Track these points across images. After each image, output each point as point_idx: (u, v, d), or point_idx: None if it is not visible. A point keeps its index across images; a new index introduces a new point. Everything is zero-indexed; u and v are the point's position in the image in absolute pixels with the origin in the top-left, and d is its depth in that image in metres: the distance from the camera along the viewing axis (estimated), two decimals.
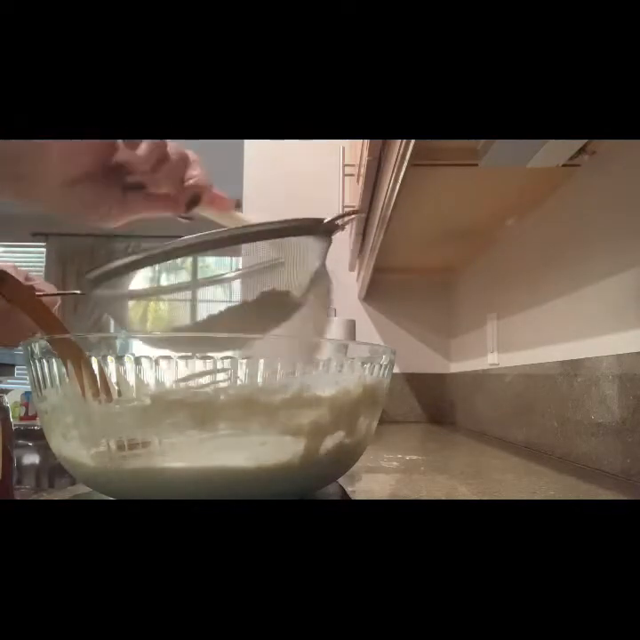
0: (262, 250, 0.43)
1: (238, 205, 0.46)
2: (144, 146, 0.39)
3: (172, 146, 0.41)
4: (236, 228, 0.43)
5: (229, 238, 0.41)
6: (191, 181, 0.42)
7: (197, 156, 0.44)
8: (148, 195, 0.42)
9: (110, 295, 0.45)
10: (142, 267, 0.43)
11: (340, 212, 1.16)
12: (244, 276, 0.46)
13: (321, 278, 0.46)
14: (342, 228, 0.46)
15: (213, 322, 0.43)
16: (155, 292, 0.44)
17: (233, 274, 0.46)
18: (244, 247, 0.43)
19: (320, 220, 0.44)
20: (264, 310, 0.44)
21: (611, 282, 0.66)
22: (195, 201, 0.43)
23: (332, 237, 0.46)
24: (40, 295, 0.56)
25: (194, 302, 0.46)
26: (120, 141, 0.39)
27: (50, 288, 0.68)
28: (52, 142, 0.37)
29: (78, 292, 0.54)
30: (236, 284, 0.46)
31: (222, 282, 0.45)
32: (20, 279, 0.53)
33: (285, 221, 0.42)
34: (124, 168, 0.41)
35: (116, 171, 0.41)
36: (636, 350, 0.57)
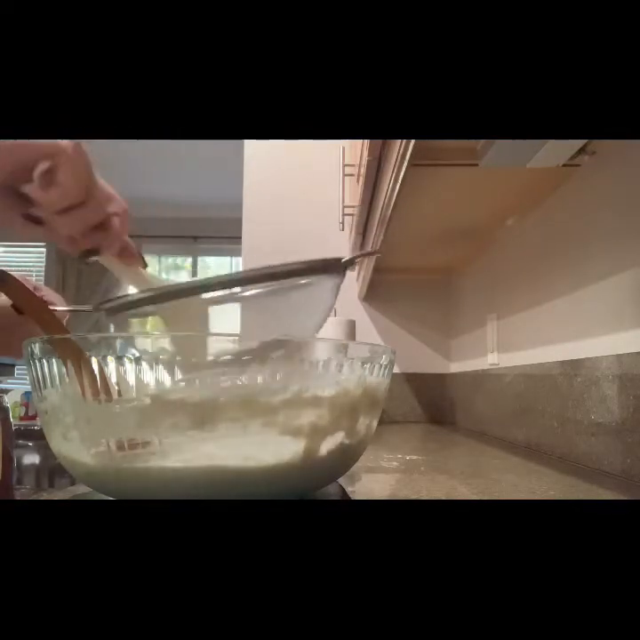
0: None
1: (145, 265, 0.46)
2: (59, 191, 0.38)
3: (101, 191, 0.41)
4: (257, 269, 0.42)
5: (247, 279, 0.41)
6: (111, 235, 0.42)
7: (124, 205, 0.43)
8: (47, 230, 0.41)
9: (123, 321, 0.45)
10: (157, 302, 0.42)
11: (341, 211, 1.16)
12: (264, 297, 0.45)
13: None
14: (355, 264, 0.46)
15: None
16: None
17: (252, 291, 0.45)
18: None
19: (339, 260, 0.43)
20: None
21: (611, 282, 0.66)
22: (93, 252, 0.42)
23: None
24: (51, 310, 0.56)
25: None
26: (35, 178, 0.37)
27: (58, 298, 0.68)
28: None
29: (89, 308, 0.54)
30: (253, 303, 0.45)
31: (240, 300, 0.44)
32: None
33: (307, 262, 0.42)
34: (30, 200, 0.39)
35: (21, 198, 0.39)
36: (636, 350, 0.57)
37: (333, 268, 0.43)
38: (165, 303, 0.42)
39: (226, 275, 0.41)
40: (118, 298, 0.43)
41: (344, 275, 0.45)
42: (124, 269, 0.44)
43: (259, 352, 0.36)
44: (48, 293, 0.68)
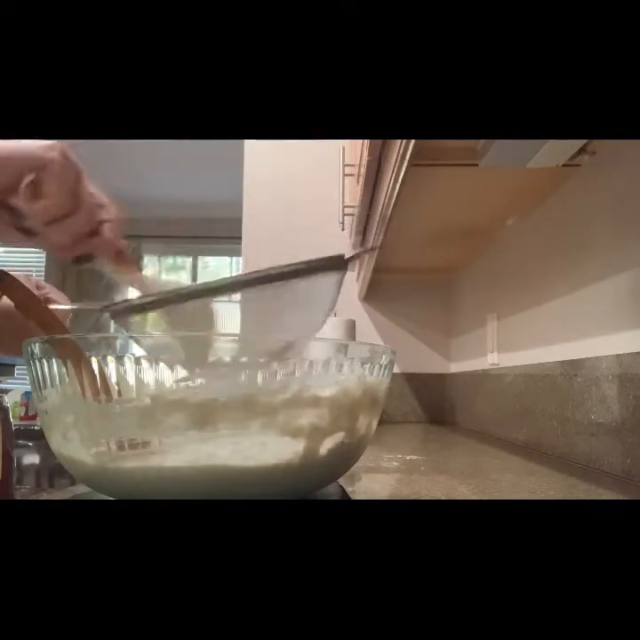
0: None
1: (140, 269, 0.45)
2: (45, 202, 0.38)
3: (92, 199, 0.41)
4: (262, 271, 0.42)
5: (253, 281, 0.41)
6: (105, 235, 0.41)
7: (116, 211, 0.43)
8: (40, 239, 0.41)
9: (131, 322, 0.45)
10: (163, 306, 0.43)
11: (341, 211, 1.16)
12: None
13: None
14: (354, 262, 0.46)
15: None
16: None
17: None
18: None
19: (342, 257, 0.44)
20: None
21: (610, 282, 0.66)
22: (86, 258, 0.43)
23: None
24: (55, 308, 0.57)
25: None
26: (21, 191, 0.37)
27: (62, 297, 0.68)
28: None
29: (94, 307, 0.54)
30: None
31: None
32: (31, 287, 0.53)
33: (312, 261, 0.42)
34: (18, 212, 0.39)
35: (9, 210, 0.39)
36: (636, 350, 0.57)
37: (337, 265, 0.43)
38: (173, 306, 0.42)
39: (232, 277, 0.42)
40: (125, 301, 0.43)
41: (346, 271, 0.45)
42: (119, 273, 0.44)
43: (274, 352, 0.36)
44: (52, 291, 0.67)
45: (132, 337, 0.40)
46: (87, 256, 0.43)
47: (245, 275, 0.41)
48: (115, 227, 0.43)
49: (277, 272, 0.41)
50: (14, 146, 0.37)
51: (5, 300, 0.51)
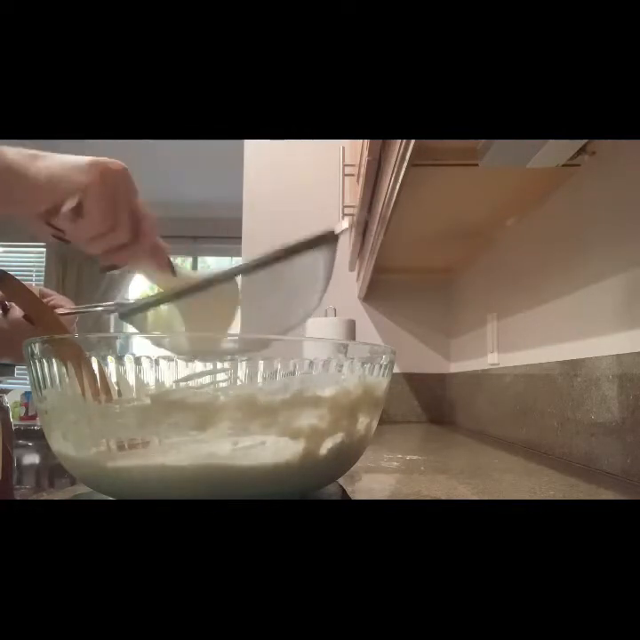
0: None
1: (174, 273, 0.46)
2: (84, 224, 0.40)
3: (134, 214, 0.43)
4: (255, 259, 0.43)
5: (250, 267, 0.42)
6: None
7: (155, 221, 0.45)
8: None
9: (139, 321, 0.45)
10: (169, 301, 0.43)
11: (341, 211, 1.16)
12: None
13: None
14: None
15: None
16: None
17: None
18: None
19: (332, 232, 0.45)
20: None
21: (611, 282, 0.66)
22: (112, 267, 0.44)
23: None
24: (62, 314, 0.57)
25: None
26: (62, 215, 0.40)
27: (67, 302, 0.69)
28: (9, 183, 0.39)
29: (99, 308, 0.55)
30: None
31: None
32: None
33: (304, 238, 0.43)
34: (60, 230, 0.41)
35: (52, 228, 0.42)
36: (636, 350, 0.57)
37: (327, 240, 0.45)
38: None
39: (232, 268, 0.42)
40: (133, 302, 0.44)
41: (336, 246, 0.46)
42: (152, 274, 0.45)
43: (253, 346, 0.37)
44: (57, 298, 0.68)
45: (131, 337, 0.40)
46: (111, 267, 0.44)
47: (246, 263, 0.42)
48: (151, 232, 0.45)
49: (269, 255, 0.42)
50: (56, 167, 0.40)
51: (15, 312, 0.52)
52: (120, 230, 0.42)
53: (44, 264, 3.69)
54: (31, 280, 3.71)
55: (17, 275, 0.42)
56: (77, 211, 0.40)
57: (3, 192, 0.39)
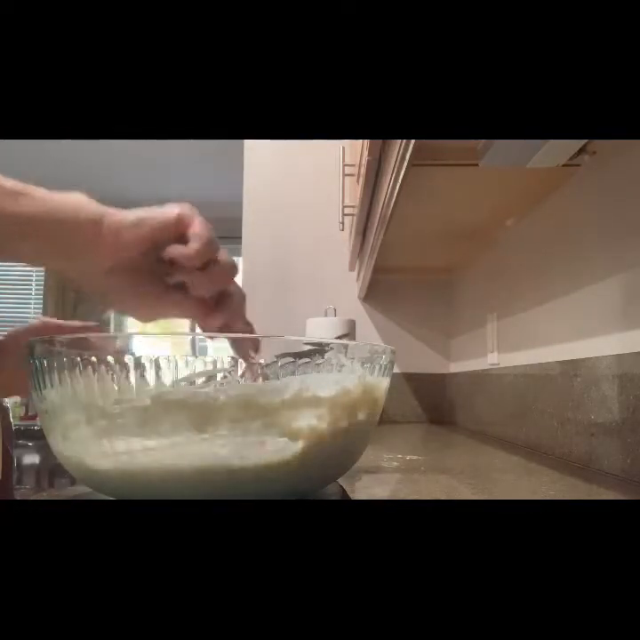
0: None
1: (257, 350, 0.40)
2: (192, 244, 0.39)
3: (222, 252, 0.41)
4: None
5: None
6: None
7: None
8: (187, 297, 0.42)
9: None
10: None
11: (340, 211, 1.16)
12: None
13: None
14: None
15: None
16: None
17: None
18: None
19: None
20: None
21: (610, 282, 0.66)
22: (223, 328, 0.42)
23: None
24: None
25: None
26: (172, 237, 0.39)
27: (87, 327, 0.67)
28: (106, 232, 0.37)
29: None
30: None
31: None
32: (52, 330, 0.54)
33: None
34: (172, 264, 0.40)
35: (162, 265, 0.40)
36: (636, 350, 0.57)
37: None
38: None
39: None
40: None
41: None
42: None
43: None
44: (76, 326, 0.66)
45: (131, 337, 0.40)
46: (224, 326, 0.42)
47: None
48: (240, 300, 0.44)
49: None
50: (145, 210, 0.39)
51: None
52: (221, 262, 0.41)
53: (43, 273, 3.67)
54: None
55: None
56: (184, 237, 0.39)
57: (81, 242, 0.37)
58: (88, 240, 0.37)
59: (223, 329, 0.42)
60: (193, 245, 0.39)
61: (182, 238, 0.39)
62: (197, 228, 0.39)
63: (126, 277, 0.39)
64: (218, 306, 0.42)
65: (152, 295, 0.41)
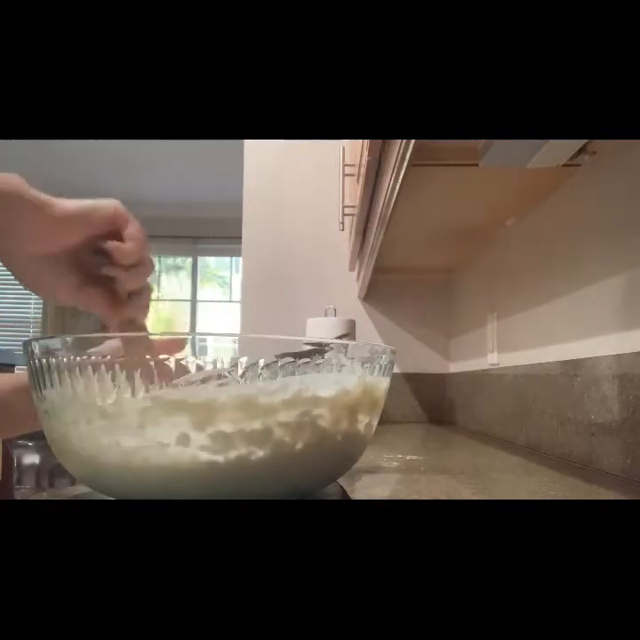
0: None
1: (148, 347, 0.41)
2: (129, 243, 0.40)
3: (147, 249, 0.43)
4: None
5: None
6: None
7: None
8: (103, 291, 0.42)
9: None
10: None
11: (340, 211, 1.16)
12: None
13: None
14: None
15: None
16: None
17: None
18: None
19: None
20: None
21: (611, 282, 0.66)
22: (130, 321, 0.44)
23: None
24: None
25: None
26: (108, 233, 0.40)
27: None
28: (48, 220, 0.38)
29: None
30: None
31: None
32: None
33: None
34: (105, 257, 0.41)
35: (90, 257, 0.42)
36: (636, 350, 0.57)
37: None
38: None
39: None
40: None
41: None
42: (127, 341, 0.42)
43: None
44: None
45: (131, 336, 0.40)
46: (132, 319, 0.44)
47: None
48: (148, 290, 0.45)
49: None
50: (82, 201, 0.40)
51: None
52: (147, 262, 0.43)
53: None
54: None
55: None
56: (120, 235, 0.40)
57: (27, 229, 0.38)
58: (29, 222, 0.38)
59: (129, 322, 0.44)
60: (130, 244, 0.41)
61: (116, 234, 0.41)
62: (132, 227, 0.41)
63: (47, 264, 0.40)
64: (130, 299, 0.43)
65: (69, 286, 0.42)
